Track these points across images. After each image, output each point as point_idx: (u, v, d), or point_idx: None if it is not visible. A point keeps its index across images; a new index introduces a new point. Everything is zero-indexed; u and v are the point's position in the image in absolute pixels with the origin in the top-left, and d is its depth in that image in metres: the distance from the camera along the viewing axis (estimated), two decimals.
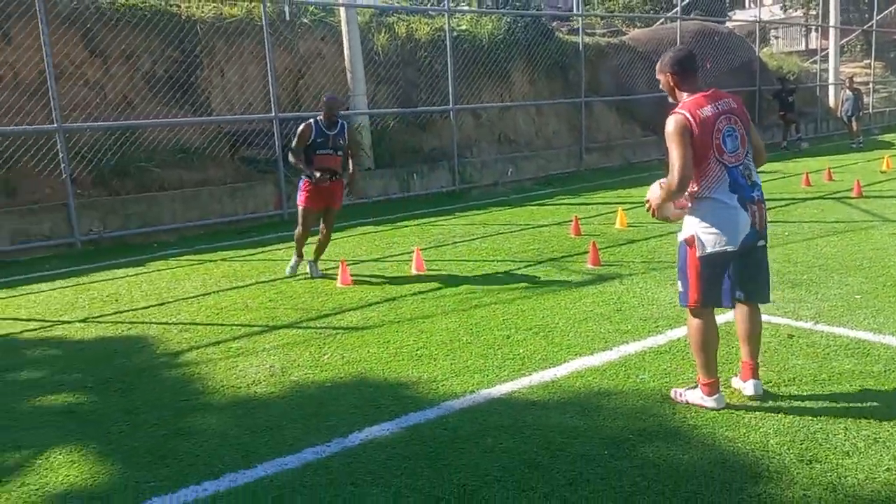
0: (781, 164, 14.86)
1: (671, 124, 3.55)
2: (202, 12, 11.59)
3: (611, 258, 7.24)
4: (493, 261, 7.52)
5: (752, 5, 44.23)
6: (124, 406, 4.16)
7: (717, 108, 3.58)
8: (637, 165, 16.17)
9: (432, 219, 10.55)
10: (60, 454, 3.60)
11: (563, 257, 7.49)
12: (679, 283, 3.73)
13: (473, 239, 8.79)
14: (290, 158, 6.90)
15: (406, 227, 9.94)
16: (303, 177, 6.68)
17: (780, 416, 3.61)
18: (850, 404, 3.71)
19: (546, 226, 9.40)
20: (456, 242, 8.66)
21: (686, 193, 3.62)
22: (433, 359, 4.70)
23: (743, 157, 3.62)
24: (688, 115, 3.53)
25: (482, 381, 4.26)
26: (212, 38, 11.54)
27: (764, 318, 4.28)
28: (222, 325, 5.75)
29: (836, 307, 5.32)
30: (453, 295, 6.25)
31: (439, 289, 6.49)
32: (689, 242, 3.63)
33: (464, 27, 14.69)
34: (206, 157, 10.97)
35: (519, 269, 7.11)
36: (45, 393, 4.45)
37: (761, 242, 3.70)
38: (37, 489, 3.29)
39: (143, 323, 5.90)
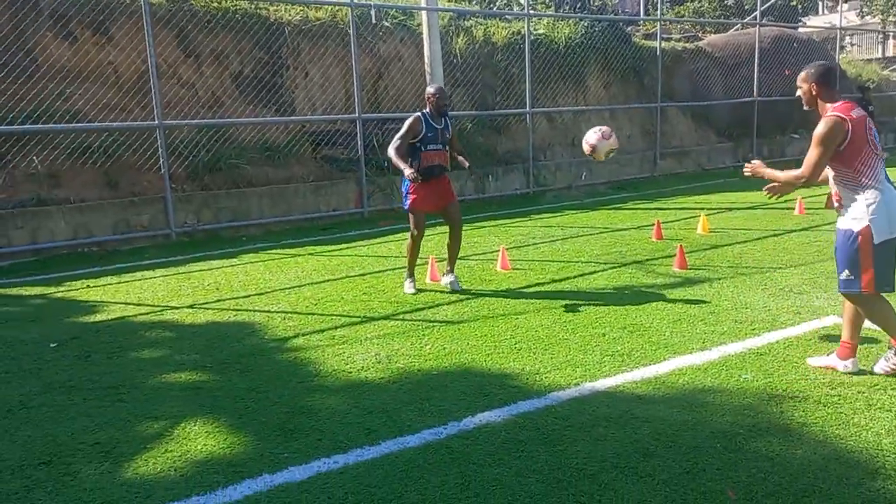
0: None
1: (825, 125, 3.95)
2: (289, 15, 12.00)
3: (697, 262, 7.27)
4: (577, 262, 7.62)
5: (826, 11, 43.09)
6: (247, 385, 4.43)
7: (860, 112, 4.02)
8: (711, 172, 16.01)
9: (508, 220, 10.69)
10: (195, 426, 3.88)
11: (647, 260, 7.54)
12: (846, 271, 4.00)
13: (554, 241, 8.90)
14: (391, 153, 6.30)
15: (483, 227, 10.10)
16: (406, 180, 6.33)
17: (891, 417, 3.65)
18: None
19: (625, 230, 9.45)
20: (537, 243, 8.79)
21: (848, 181, 3.98)
22: (532, 352, 4.84)
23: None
24: (843, 116, 3.93)
25: (584, 375, 4.40)
26: (297, 40, 11.93)
27: (867, 323, 4.33)
28: (322, 314, 6.01)
29: None
30: (543, 293, 6.39)
31: (528, 287, 6.63)
32: (863, 232, 3.89)
33: (541, 31, 14.80)
34: (291, 155, 11.34)
35: (604, 270, 7.20)
36: (169, 371, 4.76)
37: None
38: (179, 456, 3.56)
39: (246, 310, 6.20)
